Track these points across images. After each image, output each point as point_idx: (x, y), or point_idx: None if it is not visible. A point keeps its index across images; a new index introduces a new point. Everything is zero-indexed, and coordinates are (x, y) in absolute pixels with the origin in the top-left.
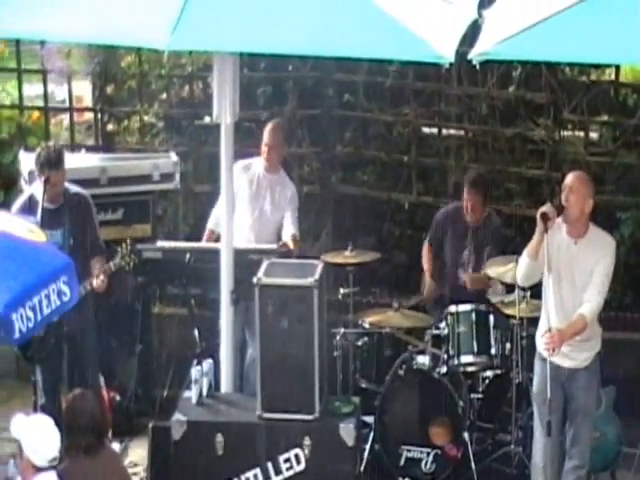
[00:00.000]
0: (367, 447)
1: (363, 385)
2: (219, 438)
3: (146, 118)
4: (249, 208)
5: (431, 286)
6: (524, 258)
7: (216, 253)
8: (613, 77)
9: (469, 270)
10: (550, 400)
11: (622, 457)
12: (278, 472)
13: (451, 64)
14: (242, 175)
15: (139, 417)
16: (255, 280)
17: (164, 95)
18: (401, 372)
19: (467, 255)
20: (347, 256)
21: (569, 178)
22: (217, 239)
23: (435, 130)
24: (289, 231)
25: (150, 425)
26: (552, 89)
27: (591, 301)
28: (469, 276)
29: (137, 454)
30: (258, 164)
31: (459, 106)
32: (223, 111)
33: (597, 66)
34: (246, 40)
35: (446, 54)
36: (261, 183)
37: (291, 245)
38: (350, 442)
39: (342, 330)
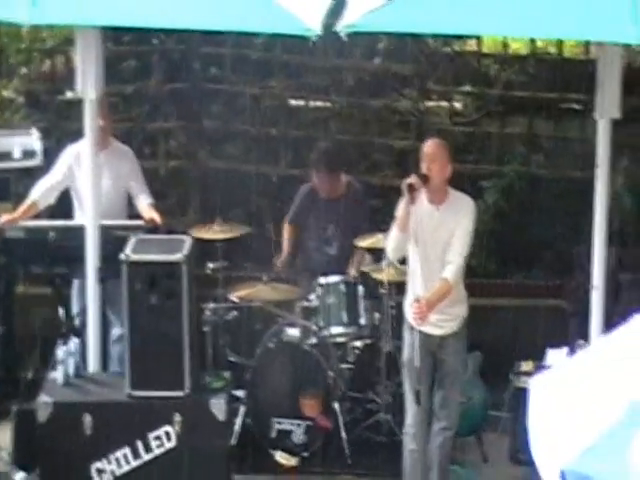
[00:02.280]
0: (238, 421)
1: (233, 359)
2: (87, 418)
3: (5, 93)
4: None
5: (286, 261)
6: (393, 231)
7: (81, 230)
8: (475, 48)
9: (334, 245)
10: (419, 369)
11: (488, 420)
12: (148, 450)
13: (318, 36)
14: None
15: (3, 400)
16: (123, 257)
17: (24, 70)
18: (271, 345)
19: (332, 230)
20: (216, 230)
21: (427, 147)
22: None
23: (302, 102)
24: (143, 201)
25: (14, 408)
26: (417, 60)
27: (452, 262)
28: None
29: (1, 439)
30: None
31: (326, 78)
32: (86, 86)
33: (460, 37)
34: (109, 14)
35: (313, 26)
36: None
37: (156, 217)
38: (221, 417)
39: (212, 305)
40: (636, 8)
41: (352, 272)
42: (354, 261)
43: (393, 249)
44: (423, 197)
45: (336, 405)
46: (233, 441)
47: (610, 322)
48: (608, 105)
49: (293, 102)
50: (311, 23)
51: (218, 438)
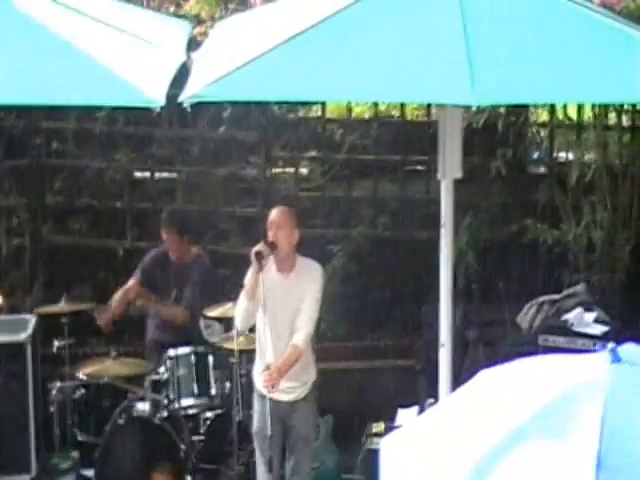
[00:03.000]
0: None
1: (82, 438)
2: None
3: None
4: None
5: (109, 318)
6: (242, 300)
7: None
8: (320, 113)
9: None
10: (270, 436)
11: None
12: None
13: (162, 108)
14: None
15: None
16: None
17: None
18: (120, 421)
19: (174, 295)
20: (62, 307)
21: (273, 214)
22: None
23: (148, 174)
24: None
25: None
26: (262, 128)
27: (302, 328)
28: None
29: None
30: None
31: (171, 149)
32: None
33: (305, 103)
34: None
35: (156, 98)
36: None
37: None
38: None
39: (58, 384)
40: (473, 70)
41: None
42: (205, 331)
43: (242, 318)
44: (272, 266)
45: (189, 478)
46: None
47: (458, 379)
48: (450, 165)
49: (138, 174)
50: (154, 94)
51: None
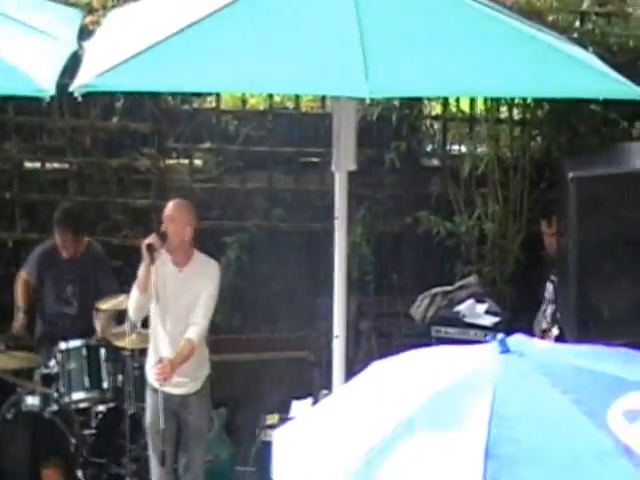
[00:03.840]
0: None
1: None
2: None
3: None
4: None
5: (21, 320)
6: (134, 292)
7: None
8: (214, 104)
9: (74, 305)
10: (164, 430)
11: (235, 476)
12: None
13: (52, 97)
14: None
15: None
16: None
17: None
18: (9, 415)
19: (71, 290)
20: None
21: (168, 207)
22: None
23: (39, 164)
24: None
25: None
26: (156, 118)
27: (197, 324)
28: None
29: None
30: None
31: (62, 139)
32: None
33: (199, 94)
34: None
35: (46, 87)
36: None
37: None
38: None
39: None
40: (368, 63)
41: (98, 334)
42: (98, 324)
43: (134, 309)
44: (167, 258)
45: (79, 473)
46: None
47: (352, 370)
48: (344, 158)
49: (29, 164)
50: (44, 83)
51: None
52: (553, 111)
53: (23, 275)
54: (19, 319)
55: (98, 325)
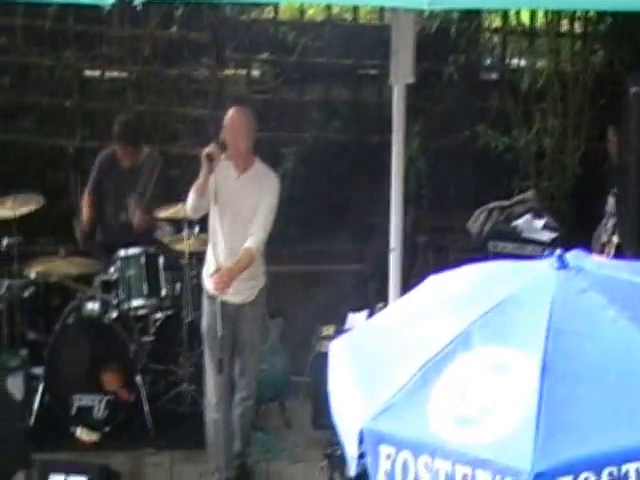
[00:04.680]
0: (37, 399)
1: (31, 337)
2: None
3: None
4: None
5: (85, 232)
6: (191, 195)
7: None
8: (272, 15)
9: (136, 213)
10: (221, 337)
11: (290, 386)
12: None
13: (112, 5)
14: None
15: None
16: None
17: None
18: (70, 320)
19: (131, 199)
20: (10, 206)
21: (229, 114)
22: None
23: (98, 73)
24: None
25: None
26: (214, 28)
27: (256, 234)
28: (137, 218)
29: None
30: None
31: (122, 48)
32: None
33: (257, 5)
34: None
35: None
36: None
37: None
38: (18, 396)
39: (7, 282)
40: None
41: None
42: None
43: (192, 208)
44: (227, 164)
45: (138, 378)
46: (32, 420)
47: (408, 284)
48: (402, 70)
49: (88, 73)
50: None
51: (15, 418)
52: (615, 25)
53: (88, 189)
54: (83, 228)
55: (156, 233)
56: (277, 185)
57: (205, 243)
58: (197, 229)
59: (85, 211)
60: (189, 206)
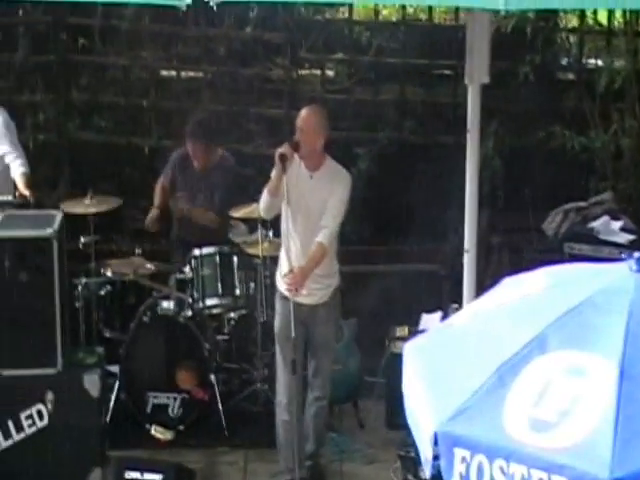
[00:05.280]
0: (113, 397)
1: (108, 335)
2: None
3: None
4: None
5: (155, 215)
6: (265, 195)
7: None
8: (347, 15)
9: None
10: (294, 338)
11: (364, 387)
12: (20, 429)
13: (188, 6)
14: None
15: None
16: None
17: None
18: (145, 318)
19: (202, 200)
20: (87, 204)
21: (301, 114)
22: None
23: (174, 73)
24: (18, 169)
25: None
26: (288, 29)
27: (327, 226)
28: (193, 211)
29: None
30: None
31: (197, 48)
32: None
33: (332, 5)
34: None
35: None
36: None
37: (27, 193)
38: (95, 393)
39: (84, 280)
40: None
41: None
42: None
43: (265, 209)
44: (300, 163)
45: (212, 377)
46: (108, 417)
47: (482, 285)
48: (478, 70)
49: (164, 73)
50: None
51: (92, 415)
52: None
53: (162, 180)
54: (153, 214)
55: (231, 233)
56: (348, 179)
57: (278, 247)
58: (271, 233)
59: (156, 197)
60: (262, 207)
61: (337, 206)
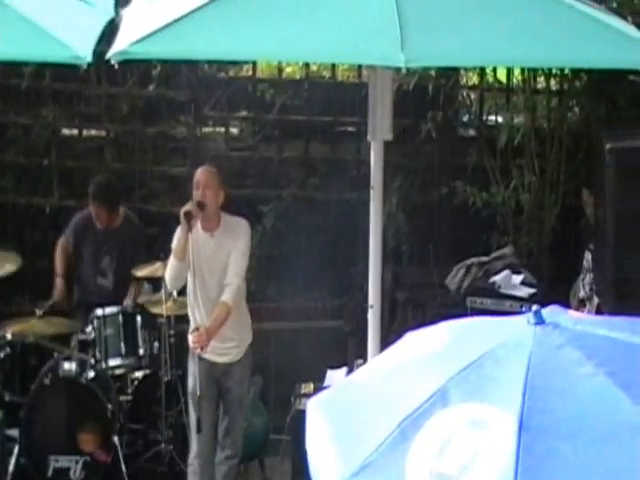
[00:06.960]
0: (12, 461)
1: (7, 398)
2: None
3: None
4: None
5: (61, 287)
6: (172, 261)
7: None
8: (250, 73)
9: (110, 276)
10: (200, 397)
11: (270, 445)
12: None
13: (89, 64)
14: None
15: None
16: None
17: None
18: (46, 381)
19: (108, 261)
20: None
21: (199, 174)
22: None
23: (75, 131)
24: None
25: None
26: (192, 86)
27: (230, 284)
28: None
29: None
30: None
31: (99, 106)
32: None
33: (235, 63)
34: None
35: (83, 54)
36: None
37: None
38: None
39: None
40: (404, 32)
41: (128, 302)
42: (131, 292)
43: (172, 279)
44: (198, 225)
45: (115, 438)
46: None
47: (387, 340)
48: (380, 127)
49: (66, 131)
50: (81, 51)
51: None
52: (591, 82)
53: (62, 242)
54: (58, 287)
55: (131, 293)
56: (247, 227)
57: (183, 305)
58: (175, 291)
59: (58, 260)
60: (169, 276)
61: (239, 259)
